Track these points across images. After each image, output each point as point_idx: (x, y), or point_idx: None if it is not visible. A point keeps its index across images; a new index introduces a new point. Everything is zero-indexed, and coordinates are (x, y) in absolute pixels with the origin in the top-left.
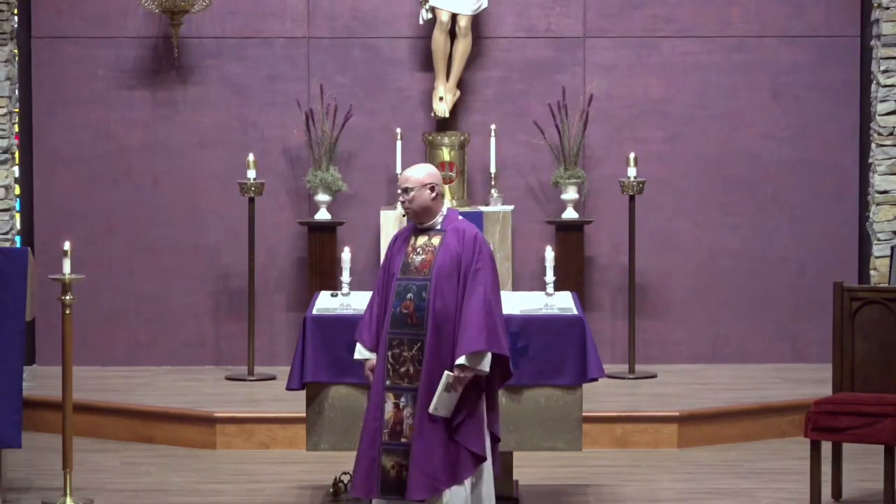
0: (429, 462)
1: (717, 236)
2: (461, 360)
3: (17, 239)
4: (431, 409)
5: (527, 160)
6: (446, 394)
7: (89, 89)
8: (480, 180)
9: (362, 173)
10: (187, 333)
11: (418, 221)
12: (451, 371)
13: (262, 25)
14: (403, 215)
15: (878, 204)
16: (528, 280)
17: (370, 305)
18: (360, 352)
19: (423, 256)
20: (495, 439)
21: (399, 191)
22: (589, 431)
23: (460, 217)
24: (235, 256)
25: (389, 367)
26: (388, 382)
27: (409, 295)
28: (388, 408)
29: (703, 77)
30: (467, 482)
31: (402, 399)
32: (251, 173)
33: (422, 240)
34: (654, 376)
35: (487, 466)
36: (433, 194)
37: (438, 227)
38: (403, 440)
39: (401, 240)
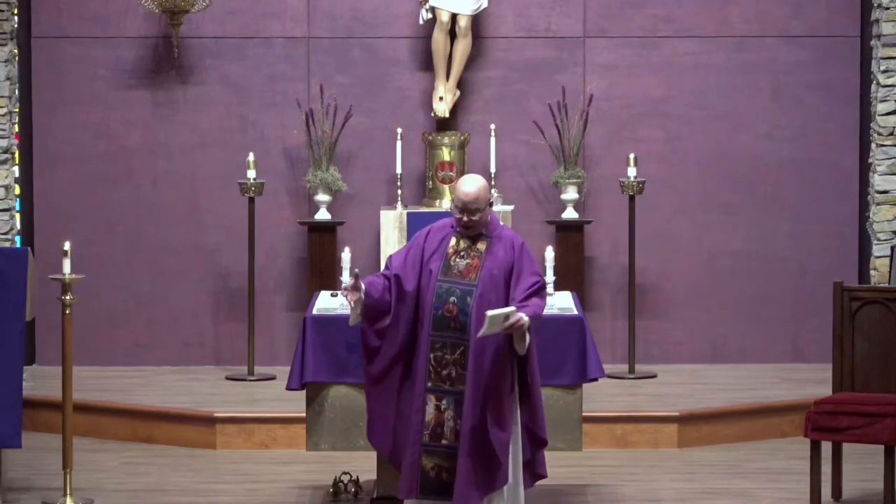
0: (474, 471)
1: (717, 236)
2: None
3: (17, 239)
4: (481, 333)
5: (527, 160)
6: (499, 325)
7: (89, 89)
8: None
9: (362, 173)
10: (187, 333)
11: (472, 234)
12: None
13: (262, 25)
14: (458, 231)
15: (878, 204)
16: None
17: (380, 274)
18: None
19: (467, 261)
20: (542, 442)
21: (457, 208)
22: (589, 431)
23: (501, 223)
24: (235, 256)
25: (431, 369)
26: (429, 384)
27: (453, 299)
28: (430, 409)
29: (703, 77)
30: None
31: (444, 402)
32: (251, 173)
33: (465, 243)
34: (654, 376)
35: (519, 470)
36: (491, 208)
37: (483, 232)
38: (444, 442)
39: (437, 236)
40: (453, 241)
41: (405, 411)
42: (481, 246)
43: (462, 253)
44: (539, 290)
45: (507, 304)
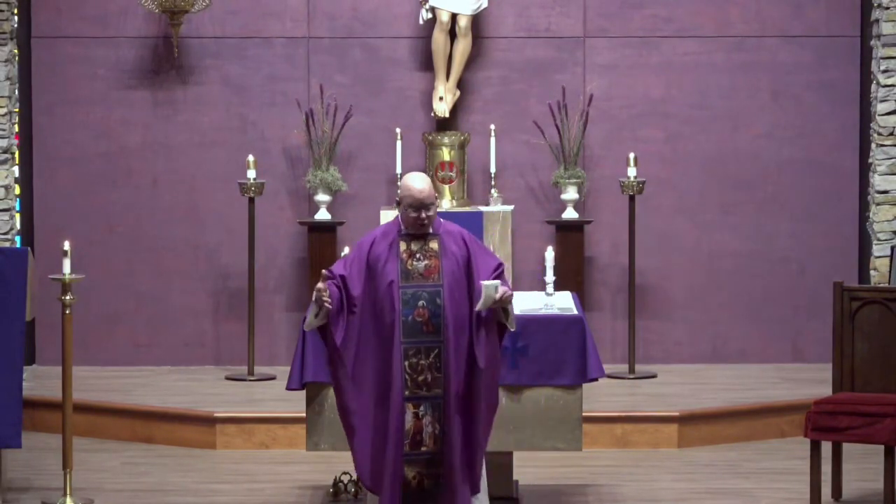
0: (465, 470)
1: (717, 236)
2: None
3: (17, 239)
4: (479, 306)
5: (527, 160)
6: (492, 297)
7: (89, 89)
8: (480, 180)
9: (362, 173)
10: (187, 333)
11: (425, 232)
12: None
13: (262, 25)
14: (405, 234)
15: (878, 204)
16: (528, 280)
17: (329, 282)
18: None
19: (425, 262)
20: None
21: (412, 207)
22: (589, 431)
23: (441, 218)
24: (235, 256)
25: (407, 377)
26: (406, 393)
27: (422, 302)
28: (408, 418)
29: (703, 77)
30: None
31: (422, 408)
32: (251, 173)
33: (416, 245)
34: (654, 376)
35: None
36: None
37: (430, 230)
38: (424, 449)
39: (384, 243)
40: (403, 244)
41: (378, 428)
42: (434, 245)
43: (417, 255)
44: (502, 274)
45: (470, 298)
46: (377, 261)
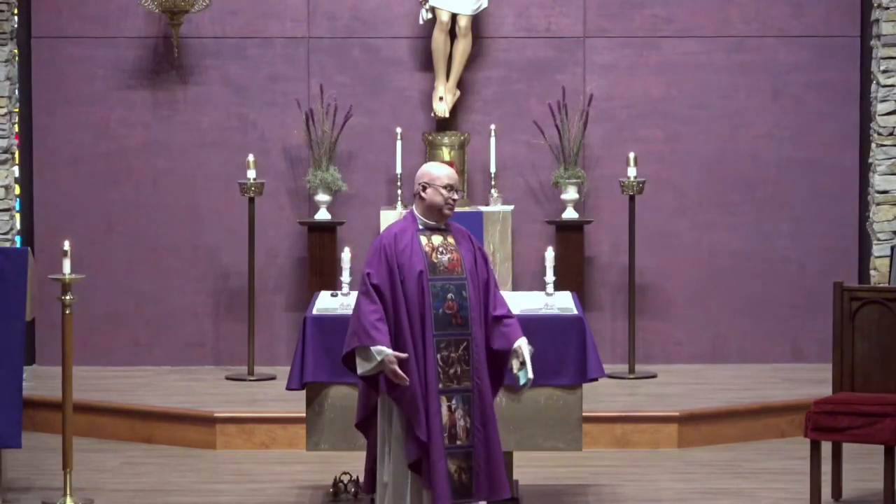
0: (499, 461)
1: (717, 236)
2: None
3: (17, 239)
4: (528, 380)
5: (527, 160)
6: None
7: (89, 89)
8: (480, 180)
9: (362, 173)
10: (187, 333)
11: (446, 221)
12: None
13: (262, 25)
14: (421, 230)
15: (878, 204)
16: (528, 280)
17: (373, 309)
18: (382, 351)
19: (448, 255)
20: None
21: (445, 188)
22: (589, 431)
23: None
24: (235, 256)
25: (440, 370)
26: (440, 386)
27: (450, 295)
28: (444, 412)
29: (703, 77)
30: None
31: (454, 401)
32: (251, 173)
33: (437, 239)
34: (654, 376)
35: None
36: None
37: (443, 226)
38: (458, 442)
39: (405, 238)
40: (423, 238)
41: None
42: (451, 239)
43: (440, 249)
44: (496, 286)
45: (486, 294)
46: (402, 254)
